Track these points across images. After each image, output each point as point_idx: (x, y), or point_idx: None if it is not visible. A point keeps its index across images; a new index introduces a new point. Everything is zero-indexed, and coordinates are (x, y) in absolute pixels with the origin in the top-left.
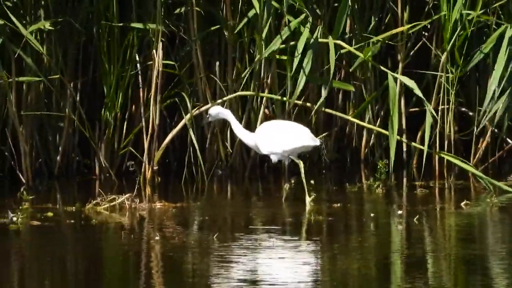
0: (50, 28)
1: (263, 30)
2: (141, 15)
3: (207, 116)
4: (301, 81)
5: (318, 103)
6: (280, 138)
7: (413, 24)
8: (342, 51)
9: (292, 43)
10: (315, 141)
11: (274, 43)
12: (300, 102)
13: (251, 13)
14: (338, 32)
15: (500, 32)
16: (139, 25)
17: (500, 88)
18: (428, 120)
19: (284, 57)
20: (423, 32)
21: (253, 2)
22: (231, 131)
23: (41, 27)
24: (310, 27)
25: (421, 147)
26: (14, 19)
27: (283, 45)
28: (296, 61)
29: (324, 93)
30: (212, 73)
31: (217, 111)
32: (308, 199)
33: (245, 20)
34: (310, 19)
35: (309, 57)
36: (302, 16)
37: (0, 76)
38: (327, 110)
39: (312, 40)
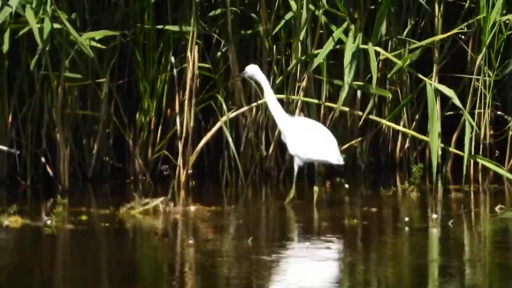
0: (99, 46)
1: (300, 33)
2: (176, 17)
3: (244, 72)
4: (344, 90)
5: (337, 106)
6: (308, 145)
7: (455, 31)
8: (380, 57)
9: (326, 45)
10: (339, 161)
11: (319, 57)
12: (333, 105)
13: (288, 16)
14: (376, 38)
15: None
16: (173, 28)
17: None
18: (468, 129)
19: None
20: (459, 35)
21: (291, 4)
22: (266, 134)
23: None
24: (349, 32)
25: (459, 152)
26: (68, 24)
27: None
28: (346, 71)
29: (370, 102)
30: None
31: (254, 71)
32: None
33: (282, 23)
34: (352, 26)
35: (352, 65)
36: (345, 25)
37: (52, 79)
38: (360, 113)
39: (354, 49)
